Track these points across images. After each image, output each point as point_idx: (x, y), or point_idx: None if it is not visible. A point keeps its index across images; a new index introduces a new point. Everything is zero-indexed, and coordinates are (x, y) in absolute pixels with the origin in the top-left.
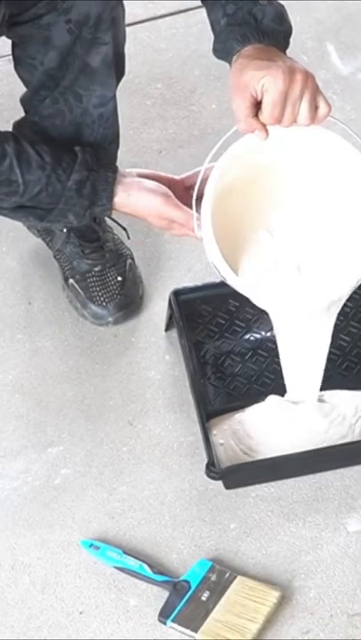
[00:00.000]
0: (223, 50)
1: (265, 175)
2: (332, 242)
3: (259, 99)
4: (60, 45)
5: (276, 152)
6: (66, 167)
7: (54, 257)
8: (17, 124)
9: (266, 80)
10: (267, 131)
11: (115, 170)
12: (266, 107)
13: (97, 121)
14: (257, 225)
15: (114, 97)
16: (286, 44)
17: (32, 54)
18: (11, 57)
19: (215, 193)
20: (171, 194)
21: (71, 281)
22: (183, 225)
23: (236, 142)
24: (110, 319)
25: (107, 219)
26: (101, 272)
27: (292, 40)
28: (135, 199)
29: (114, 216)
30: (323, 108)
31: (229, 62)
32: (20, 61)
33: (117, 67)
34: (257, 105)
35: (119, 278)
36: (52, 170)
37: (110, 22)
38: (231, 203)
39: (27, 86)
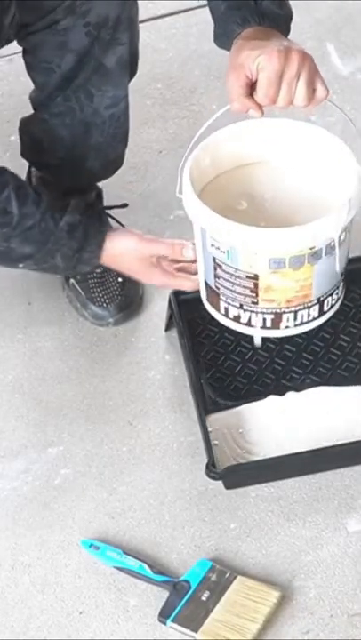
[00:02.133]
0: (224, 34)
1: (244, 169)
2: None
3: (253, 79)
4: (78, 48)
5: (256, 146)
6: (62, 207)
7: None
8: (25, 121)
9: (261, 59)
10: (262, 110)
11: (107, 222)
12: (261, 85)
13: (107, 121)
14: (237, 198)
15: (126, 96)
16: (287, 29)
17: (48, 59)
18: (10, 57)
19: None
20: (144, 236)
21: (72, 281)
22: (169, 257)
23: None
24: (111, 320)
25: (110, 219)
26: (102, 273)
27: (292, 40)
28: (116, 243)
29: (116, 216)
30: (321, 91)
31: (230, 47)
32: (33, 66)
33: (131, 66)
34: (251, 85)
35: (120, 279)
36: (46, 207)
37: (128, 22)
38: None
39: (40, 88)
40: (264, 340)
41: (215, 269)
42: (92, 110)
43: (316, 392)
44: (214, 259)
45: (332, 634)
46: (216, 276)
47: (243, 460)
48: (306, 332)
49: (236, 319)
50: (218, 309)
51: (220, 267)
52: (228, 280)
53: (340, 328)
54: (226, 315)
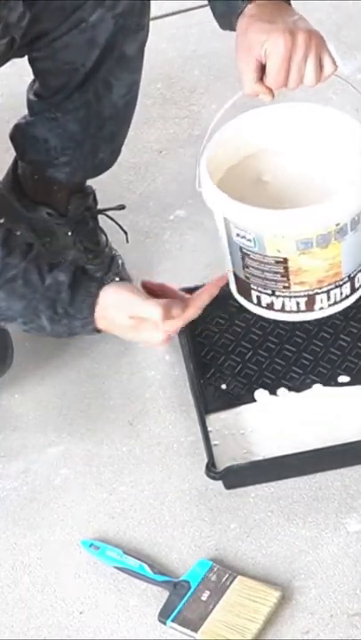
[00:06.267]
0: (227, 11)
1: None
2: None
3: (263, 62)
4: (103, 42)
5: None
6: (52, 264)
7: None
8: (22, 126)
9: (268, 44)
10: (272, 93)
11: (99, 280)
12: (270, 71)
13: (122, 109)
14: (253, 186)
15: (140, 79)
16: None
17: (72, 59)
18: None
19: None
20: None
21: None
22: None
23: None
24: None
25: (107, 219)
26: (101, 278)
27: (295, 11)
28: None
29: (115, 217)
30: (327, 68)
31: (234, 25)
32: (52, 71)
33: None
34: (262, 68)
35: (117, 279)
36: (34, 258)
37: (148, 5)
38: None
39: (55, 91)
40: (264, 340)
41: (243, 259)
42: (109, 101)
43: (316, 392)
44: (241, 248)
45: (332, 634)
46: (245, 266)
47: (243, 461)
48: (306, 333)
49: (270, 306)
50: (250, 299)
51: (248, 255)
52: (257, 268)
53: (341, 328)
54: (259, 304)
